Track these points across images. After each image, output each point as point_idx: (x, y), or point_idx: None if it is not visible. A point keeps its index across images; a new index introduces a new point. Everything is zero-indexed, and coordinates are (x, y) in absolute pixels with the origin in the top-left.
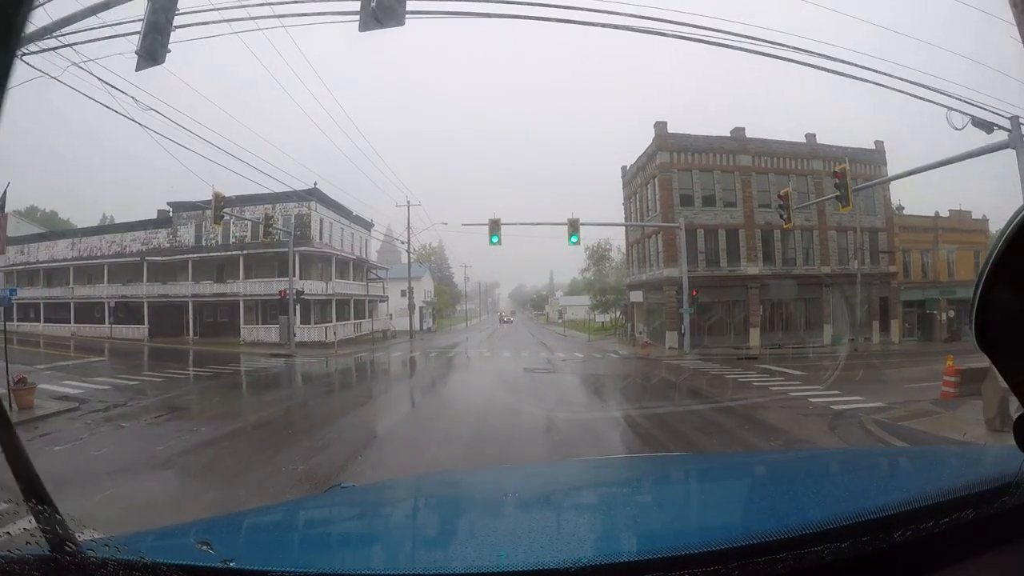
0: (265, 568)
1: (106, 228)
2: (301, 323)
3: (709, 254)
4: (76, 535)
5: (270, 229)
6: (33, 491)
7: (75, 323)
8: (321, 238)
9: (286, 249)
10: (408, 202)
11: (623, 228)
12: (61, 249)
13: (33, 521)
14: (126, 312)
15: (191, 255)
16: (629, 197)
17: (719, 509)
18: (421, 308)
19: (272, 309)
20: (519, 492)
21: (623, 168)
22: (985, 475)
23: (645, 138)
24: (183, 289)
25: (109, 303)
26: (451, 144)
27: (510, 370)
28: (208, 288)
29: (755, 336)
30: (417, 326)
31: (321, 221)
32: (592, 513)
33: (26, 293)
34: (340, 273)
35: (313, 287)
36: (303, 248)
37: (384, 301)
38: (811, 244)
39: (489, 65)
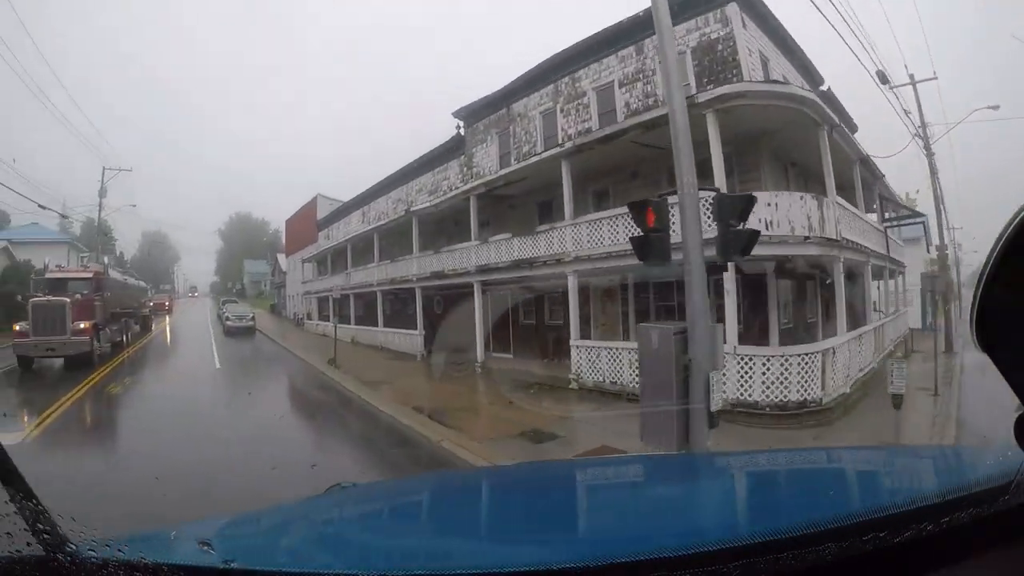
0: (266, 568)
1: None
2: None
3: None
4: (77, 535)
5: None
6: (32, 492)
7: (355, 324)
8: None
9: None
10: None
11: None
12: (354, 224)
13: (34, 522)
14: (395, 307)
15: (479, 187)
16: None
17: (720, 508)
18: None
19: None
20: (519, 492)
21: None
22: (985, 475)
23: None
24: (463, 259)
25: (379, 293)
26: None
27: None
28: (515, 250)
29: None
30: None
31: (762, 59)
32: (593, 512)
33: (318, 285)
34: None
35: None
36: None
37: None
38: None
39: None
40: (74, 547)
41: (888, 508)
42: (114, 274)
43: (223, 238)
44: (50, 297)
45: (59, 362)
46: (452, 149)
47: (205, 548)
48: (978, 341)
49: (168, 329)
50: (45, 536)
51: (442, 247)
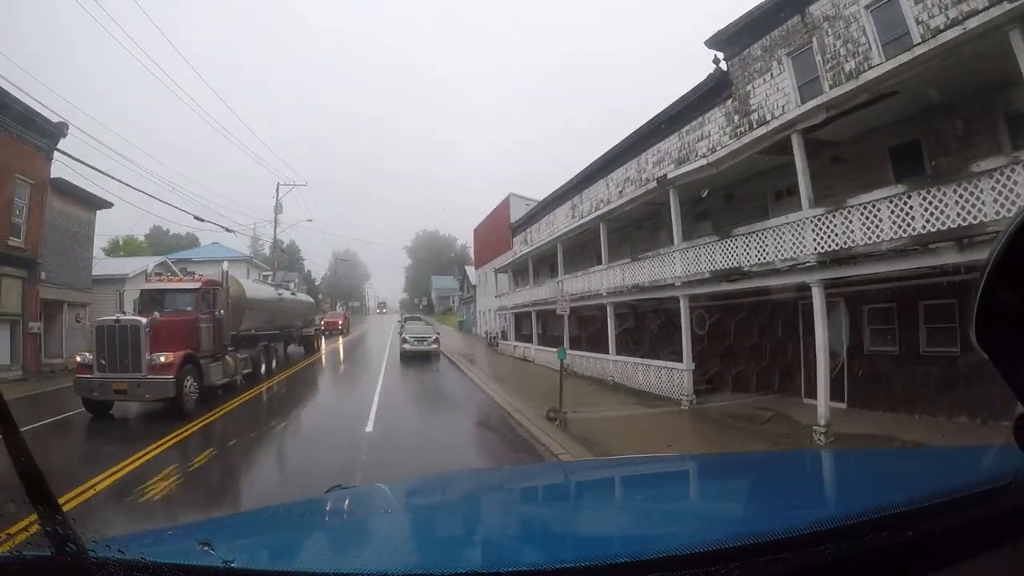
0: (266, 568)
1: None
2: None
3: None
4: (78, 535)
5: None
6: (35, 491)
7: (570, 348)
8: None
9: None
10: None
11: None
12: (561, 220)
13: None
14: (632, 326)
15: (814, 111)
16: None
17: (720, 508)
18: None
19: None
20: (520, 493)
21: None
22: (985, 475)
23: None
24: (781, 246)
25: (609, 307)
26: None
27: None
28: (917, 218)
29: None
30: None
31: None
32: (593, 513)
33: (516, 298)
34: None
35: None
36: None
37: None
38: None
39: None
40: (74, 547)
41: (888, 508)
42: (259, 287)
43: (410, 255)
44: (120, 316)
45: (151, 405)
46: (709, 94)
47: (205, 548)
48: (978, 341)
49: (339, 352)
50: (47, 536)
51: (732, 231)
